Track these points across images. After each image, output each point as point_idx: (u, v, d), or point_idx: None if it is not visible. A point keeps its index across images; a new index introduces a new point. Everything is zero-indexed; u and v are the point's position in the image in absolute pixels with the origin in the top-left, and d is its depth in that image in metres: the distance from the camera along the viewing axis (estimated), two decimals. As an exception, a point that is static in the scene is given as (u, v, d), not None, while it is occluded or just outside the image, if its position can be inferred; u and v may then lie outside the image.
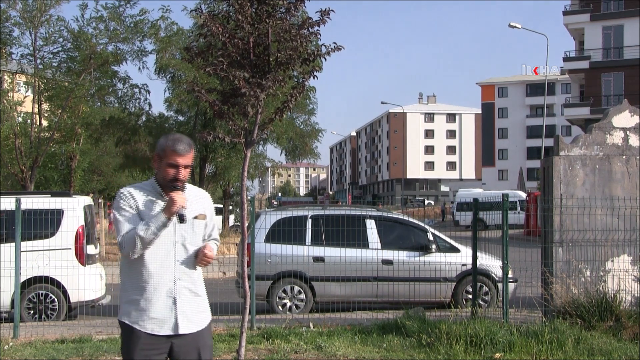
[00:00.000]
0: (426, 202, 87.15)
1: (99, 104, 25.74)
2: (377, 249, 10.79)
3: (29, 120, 24.63)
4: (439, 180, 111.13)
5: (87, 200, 11.40)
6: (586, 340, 7.28)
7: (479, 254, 9.48)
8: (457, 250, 10.95)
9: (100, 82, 23.24)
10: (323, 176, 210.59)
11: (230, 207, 30.92)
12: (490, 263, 10.71)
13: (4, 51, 21.38)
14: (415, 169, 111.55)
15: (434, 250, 10.82)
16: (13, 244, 8.81)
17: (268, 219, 10.88)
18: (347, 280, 10.52)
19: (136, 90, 22.99)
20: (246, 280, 6.18)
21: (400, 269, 10.53)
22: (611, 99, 41.51)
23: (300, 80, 7.85)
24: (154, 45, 21.76)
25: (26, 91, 26.55)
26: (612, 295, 8.15)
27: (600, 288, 8.28)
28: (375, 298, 10.67)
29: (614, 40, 43.28)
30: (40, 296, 10.11)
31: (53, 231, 10.24)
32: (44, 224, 9.99)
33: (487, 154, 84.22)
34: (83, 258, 10.30)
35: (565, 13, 45.83)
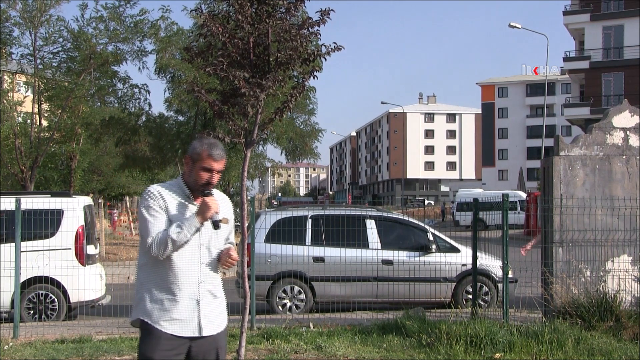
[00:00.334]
0: (426, 202, 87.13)
1: (99, 104, 25.72)
2: (377, 249, 10.79)
3: (29, 120, 24.61)
4: (439, 181, 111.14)
5: (87, 200, 11.40)
6: (586, 341, 7.28)
7: (479, 254, 9.48)
8: (457, 251, 10.95)
9: (100, 82, 23.22)
10: (323, 176, 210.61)
11: (231, 207, 30.82)
12: (490, 263, 10.71)
13: (4, 51, 21.36)
14: (415, 169, 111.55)
15: (434, 250, 10.82)
16: (13, 244, 8.81)
17: (268, 219, 10.88)
18: (347, 280, 10.52)
19: (136, 90, 22.98)
20: (246, 280, 6.18)
21: (400, 269, 10.53)
22: (611, 99, 41.52)
23: (300, 80, 7.85)
24: (154, 45, 21.74)
25: (26, 91, 26.55)
26: (612, 296, 8.15)
27: (600, 288, 8.27)
28: (375, 298, 10.67)
29: (614, 40, 43.29)
30: (40, 296, 10.11)
31: (53, 231, 10.23)
32: (44, 224, 9.99)
33: (487, 154, 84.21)
34: (83, 258, 10.30)
35: (565, 13, 45.84)
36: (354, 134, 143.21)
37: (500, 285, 9.85)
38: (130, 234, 27.67)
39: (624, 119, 8.85)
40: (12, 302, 9.20)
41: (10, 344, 8.03)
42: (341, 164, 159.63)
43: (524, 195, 35.85)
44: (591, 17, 43.73)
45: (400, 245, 10.96)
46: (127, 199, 34.08)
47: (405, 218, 11.99)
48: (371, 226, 10.97)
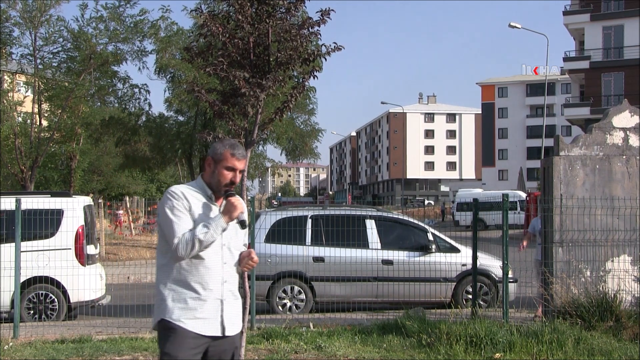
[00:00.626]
0: (426, 202, 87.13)
1: (99, 104, 25.71)
2: (377, 249, 10.79)
3: (29, 120, 24.60)
4: (439, 181, 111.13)
5: (87, 200, 11.40)
6: (586, 341, 7.28)
7: (479, 254, 9.48)
8: (457, 251, 10.94)
9: (100, 82, 23.21)
10: (323, 176, 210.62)
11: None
12: (490, 263, 10.71)
13: (4, 51, 21.35)
14: (415, 169, 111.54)
15: (434, 250, 10.82)
16: (13, 244, 8.81)
17: (268, 219, 10.88)
18: (347, 280, 10.52)
19: (136, 90, 22.95)
20: (246, 280, 6.18)
21: (400, 269, 10.53)
22: (611, 99, 41.52)
23: (300, 80, 7.85)
24: (154, 45, 21.73)
25: (26, 91, 26.53)
26: (612, 296, 8.15)
27: (600, 288, 8.27)
28: (375, 298, 10.67)
29: (614, 40, 43.29)
30: (40, 296, 10.11)
31: (53, 231, 10.24)
32: (44, 224, 9.99)
33: (487, 154, 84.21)
34: (83, 258, 10.30)
35: (565, 13, 45.84)
36: (354, 134, 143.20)
37: (500, 285, 9.85)
38: (130, 234, 27.66)
39: (624, 119, 8.85)
40: (12, 302, 9.20)
41: (10, 344, 8.03)
42: (341, 164, 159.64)
43: (524, 195, 35.85)
44: (591, 17, 43.73)
45: (400, 245, 10.96)
46: (127, 199, 34.06)
47: (405, 218, 11.99)
48: (371, 226, 10.97)
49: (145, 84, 30.01)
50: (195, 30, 18.22)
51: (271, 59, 6.86)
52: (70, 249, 10.21)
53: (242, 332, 6.49)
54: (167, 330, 3.57)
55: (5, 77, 24.62)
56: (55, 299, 10.12)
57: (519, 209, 33.30)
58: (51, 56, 22.11)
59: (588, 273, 8.56)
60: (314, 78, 7.25)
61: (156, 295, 3.66)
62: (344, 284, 10.59)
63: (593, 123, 9.20)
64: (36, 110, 23.58)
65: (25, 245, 9.30)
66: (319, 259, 10.72)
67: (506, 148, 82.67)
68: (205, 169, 3.77)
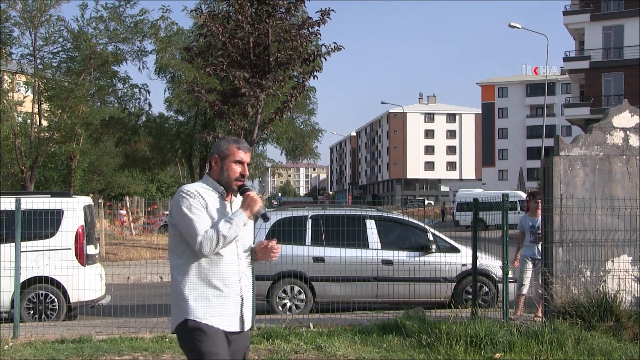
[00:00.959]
0: (426, 202, 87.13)
1: (99, 104, 25.72)
2: (377, 249, 10.79)
3: (29, 120, 24.61)
4: (439, 181, 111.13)
5: (87, 200, 11.40)
6: (586, 341, 7.27)
7: (479, 254, 9.48)
8: (457, 251, 10.94)
9: (100, 82, 23.21)
10: (323, 176, 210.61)
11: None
12: (490, 263, 10.71)
13: (4, 51, 21.35)
14: (415, 169, 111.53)
15: (434, 250, 10.82)
16: (13, 244, 8.81)
17: (268, 219, 10.86)
18: (347, 280, 10.52)
19: (136, 90, 22.97)
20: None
21: (400, 269, 10.53)
22: (611, 99, 41.53)
23: (300, 80, 7.86)
24: (154, 45, 21.74)
25: (26, 91, 26.53)
26: (612, 296, 8.15)
27: (600, 288, 8.27)
28: (375, 298, 10.67)
29: (614, 40, 43.29)
30: (40, 296, 10.11)
31: (53, 231, 10.23)
32: (44, 224, 9.99)
33: (487, 154, 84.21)
34: (83, 258, 10.30)
35: (565, 13, 45.85)
36: (354, 134, 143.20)
37: (500, 285, 9.85)
38: (130, 234, 27.66)
39: (624, 119, 8.84)
40: (12, 302, 9.19)
41: (10, 344, 8.03)
42: (341, 164, 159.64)
43: (524, 195, 35.86)
44: (591, 17, 43.74)
45: (400, 245, 10.96)
46: (127, 199, 34.06)
47: (405, 218, 11.99)
48: (371, 226, 10.97)
49: (145, 84, 30.04)
50: (195, 30, 18.22)
51: (271, 59, 6.86)
52: (70, 249, 10.21)
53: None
54: (195, 331, 3.54)
55: (5, 77, 24.61)
56: (55, 299, 10.11)
57: (519, 209, 33.29)
58: (51, 56, 22.14)
59: (588, 273, 8.56)
60: (314, 78, 7.25)
61: (175, 297, 3.64)
62: (344, 284, 10.58)
63: (593, 123, 9.20)
64: (36, 110, 23.59)
65: (25, 245, 9.30)
66: (319, 259, 10.72)
67: (506, 148, 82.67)
68: (211, 168, 3.79)
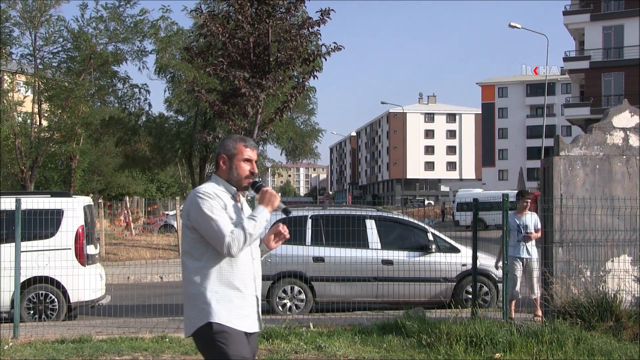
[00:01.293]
0: (426, 202, 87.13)
1: (99, 104, 25.72)
2: (377, 249, 10.79)
3: (29, 120, 24.61)
4: (439, 181, 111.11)
5: (87, 200, 11.40)
6: (586, 341, 7.28)
7: (479, 254, 9.48)
8: (457, 251, 10.94)
9: (100, 82, 23.22)
10: (323, 176, 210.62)
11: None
12: (491, 263, 10.70)
13: (4, 51, 21.36)
14: (415, 169, 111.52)
15: (434, 250, 10.82)
16: (13, 244, 8.81)
17: (268, 219, 10.85)
18: (347, 280, 10.52)
19: (136, 90, 22.99)
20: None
21: (400, 269, 10.53)
22: (611, 99, 41.52)
23: (300, 80, 7.85)
24: (154, 45, 21.75)
25: (26, 91, 26.53)
26: (612, 296, 8.15)
27: (600, 288, 8.27)
28: (375, 298, 10.67)
29: (614, 40, 43.29)
30: (40, 296, 10.10)
31: (53, 231, 10.23)
32: (44, 224, 9.99)
33: (487, 154, 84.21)
34: (83, 258, 10.30)
35: (565, 13, 45.85)
36: (354, 134, 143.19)
37: (500, 285, 9.85)
38: (130, 234, 27.65)
39: (624, 119, 8.84)
40: (12, 302, 9.19)
41: (10, 344, 8.03)
42: (341, 164, 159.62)
43: (523, 195, 35.80)
44: (591, 17, 43.73)
45: (400, 245, 10.96)
46: (127, 199, 34.07)
47: (405, 218, 11.99)
48: (371, 226, 10.97)
49: (145, 84, 30.08)
50: (195, 30, 18.22)
51: (271, 59, 6.86)
52: (70, 249, 10.21)
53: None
54: (219, 334, 3.50)
55: (5, 77, 24.61)
56: (55, 299, 10.11)
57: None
58: (51, 56, 22.14)
59: (588, 273, 8.56)
60: (314, 78, 7.25)
61: (192, 300, 3.58)
62: (344, 284, 10.58)
63: (593, 123, 9.20)
64: (36, 110, 23.59)
65: (25, 245, 9.30)
66: (319, 259, 10.72)
67: (506, 148, 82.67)
68: (219, 168, 3.77)
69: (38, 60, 21.72)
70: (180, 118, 24.04)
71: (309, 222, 10.93)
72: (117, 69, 23.03)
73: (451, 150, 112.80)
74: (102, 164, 38.64)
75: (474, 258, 9.22)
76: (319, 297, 10.67)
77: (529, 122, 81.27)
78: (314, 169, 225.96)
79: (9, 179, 27.73)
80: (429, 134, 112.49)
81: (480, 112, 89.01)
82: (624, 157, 8.76)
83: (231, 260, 3.59)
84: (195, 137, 21.12)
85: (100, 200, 24.87)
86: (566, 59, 45.69)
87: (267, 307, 10.60)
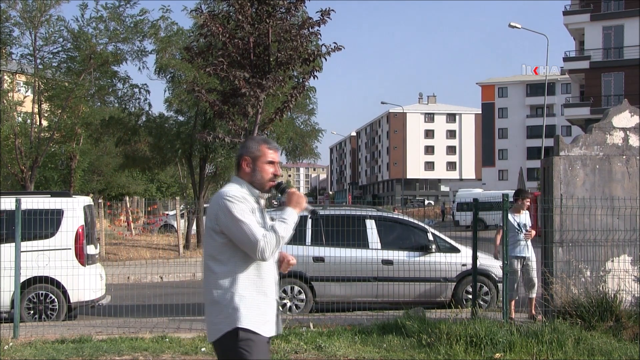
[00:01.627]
0: (426, 202, 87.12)
1: (99, 104, 25.68)
2: (377, 249, 10.79)
3: (29, 120, 24.58)
4: (439, 181, 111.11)
5: (87, 200, 11.40)
6: (586, 341, 7.28)
7: (479, 254, 9.48)
8: (457, 251, 10.94)
9: (100, 82, 23.19)
10: (323, 176, 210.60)
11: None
12: (490, 263, 10.71)
13: (4, 51, 21.34)
14: (415, 169, 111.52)
15: (434, 250, 10.82)
16: (13, 244, 8.81)
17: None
18: (347, 280, 10.52)
19: (136, 90, 22.94)
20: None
21: (400, 269, 10.53)
22: (611, 99, 41.53)
23: (300, 80, 7.85)
24: (154, 45, 21.72)
25: (26, 91, 26.51)
26: (612, 296, 8.15)
27: (600, 288, 8.28)
28: (375, 298, 10.67)
29: (614, 40, 43.30)
30: (40, 296, 10.11)
31: (53, 231, 10.23)
32: (44, 224, 9.99)
33: (487, 154, 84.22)
34: (83, 258, 10.30)
35: (565, 13, 45.85)
36: (354, 134, 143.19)
37: (500, 285, 9.85)
38: (130, 234, 27.65)
39: (624, 119, 8.85)
40: (12, 302, 9.20)
41: (10, 344, 8.03)
42: (341, 164, 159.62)
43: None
44: (591, 17, 43.74)
45: (400, 245, 10.96)
46: (127, 199, 34.06)
47: (406, 218, 11.99)
48: (371, 226, 10.97)
49: (145, 84, 30.01)
50: (196, 30, 18.21)
51: (271, 59, 6.86)
52: (70, 249, 10.21)
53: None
54: (244, 341, 3.46)
55: (5, 77, 24.59)
56: (55, 299, 10.11)
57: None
58: (51, 56, 22.11)
59: (588, 273, 8.56)
60: (314, 78, 7.25)
61: (217, 305, 3.53)
62: (344, 284, 10.58)
63: (593, 123, 9.20)
64: (36, 110, 23.57)
65: (25, 245, 9.30)
66: (319, 259, 10.72)
67: (506, 148, 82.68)
68: (241, 170, 3.71)
69: (38, 60, 21.70)
70: (180, 118, 24.02)
71: (309, 222, 10.93)
72: (117, 69, 23.01)
73: (451, 150, 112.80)
74: (102, 164, 38.60)
75: (474, 258, 9.22)
76: (319, 297, 10.67)
77: (529, 122, 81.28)
78: (314, 169, 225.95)
79: (9, 179, 27.71)
80: (429, 134, 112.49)
81: (480, 112, 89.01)
82: (624, 157, 8.76)
83: (258, 265, 3.55)
84: (195, 137, 21.10)
85: (100, 200, 24.89)
86: (566, 59, 45.70)
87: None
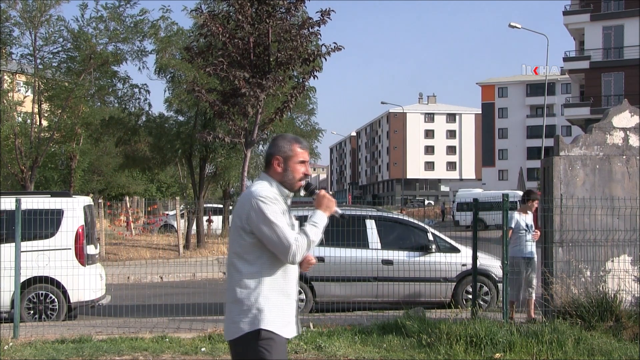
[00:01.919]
0: (426, 202, 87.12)
1: (99, 104, 25.68)
2: (377, 249, 10.79)
3: (29, 120, 24.58)
4: (439, 181, 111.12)
5: (87, 200, 11.40)
6: (586, 341, 7.28)
7: (479, 254, 9.48)
8: (457, 251, 10.94)
9: (100, 82, 23.18)
10: (323, 176, 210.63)
11: (230, 207, 30.83)
12: (490, 263, 10.71)
13: (4, 51, 21.33)
14: (415, 169, 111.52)
15: (434, 250, 10.82)
16: (13, 244, 8.81)
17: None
18: (347, 280, 10.52)
19: (136, 90, 22.94)
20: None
21: (400, 269, 10.53)
22: (611, 99, 41.54)
23: (300, 80, 7.85)
24: (154, 45, 21.71)
25: (26, 91, 26.51)
26: (612, 296, 8.15)
27: (600, 288, 8.27)
28: (375, 298, 10.67)
29: (614, 40, 43.31)
30: (40, 296, 10.11)
31: (53, 231, 10.23)
32: (44, 224, 9.99)
33: (487, 154, 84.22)
34: (83, 258, 10.30)
35: (565, 13, 45.87)
36: (354, 134, 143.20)
37: (500, 285, 9.84)
38: (130, 234, 27.64)
39: (624, 119, 8.85)
40: (12, 302, 9.20)
41: (10, 344, 8.03)
42: (341, 164, 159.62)
43: (523, 195, 35.80)
44: (591, 17, 43.75)
45: (400, 245, 10.96)
46: (127, 199, 34.05)
47: (406, 218, 11.99)
48: (371, 226, 10.97)
49: (145, 84, 30.03)
50: (196, 30, 18.21)
51: (271, 59, 6.86)
52: (70, 249, 10.21)
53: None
54: (264, 340, 3.45)
55: (5, 77, 24.59)
56: (55, 299, 10.11)
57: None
58: (51, 56, 22.10)
59: (588, 273, 8.56)
60: (314, 78, 7.25)
61: (240, 304, 3.50)
62: (344, 284, 10.58)
63: (593, 123, 9.20)
64: (36, 110, 23.56)
65: (25, 245, 9.30)
66: (319, 259, 10.70)
67: (506, 148, 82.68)
68: (272, 169, 3.67)
69: (38, 60, 21.70)
70: (180, 118, 24.02)
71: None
72: (117, 69, 23.01)
73: (451, 150, 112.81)
74: (102, 164, 38.59)
75: (474, 258, 9.22)
76: (319, 297, 10.66)
77: (529, 122, 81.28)
78: (314, 169, 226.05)
79: (9, 179, 27.71)
80: (429, 134, 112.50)
81: (480, 112, 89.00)
82: (624, 157, 8.76)
83: (285, 267, 3.54)
84: (195, 137, 21.10)
85: (100, 200, 24.88)
86: (566, 59, 45.71)
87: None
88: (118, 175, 39.67)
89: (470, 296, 10.29)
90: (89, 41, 20.90)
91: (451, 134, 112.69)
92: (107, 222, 27.23)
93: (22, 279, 9.28)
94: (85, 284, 10.13)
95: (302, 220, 3.74)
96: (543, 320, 8.29)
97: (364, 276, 10.52)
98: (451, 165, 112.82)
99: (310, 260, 3.74)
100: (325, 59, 8.56)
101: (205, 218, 25.99)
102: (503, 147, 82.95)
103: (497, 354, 7.03)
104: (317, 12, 8.80)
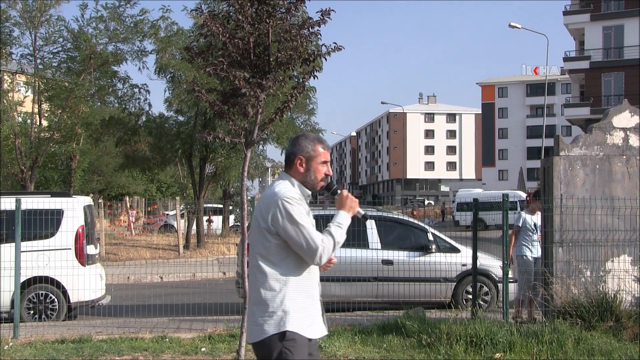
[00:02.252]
0: (426, 202, 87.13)
1: (99, 104, 25.68)
2: (377, 249, 10.79)
3: (29, 120, 24.59)
4: (439, 181, 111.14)
5: (87, 200, 11.40)
6: (586, 341, 7.28)
7: (479, 254, 9.48)
8: (457, 251, 10.94)
9: (100, 82, 23.18)
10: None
11: (230, 207, 30.84)
12: (490, 263, 10.71)
13: (4, 51, 21.33)
14: (415, 169, 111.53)
15: (434, 250, 10.82)
16: (13, 244, 8.81)
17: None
18: (347, 280, 10.52)
19: (136, 90, 22.94)
20: (246, 280, 6.18)
21: (400, 269, 10.53)
22: (611, 99, 41.55)
23: (301, 80, 7.84)
24: (154, 45, 21.71)
25: (26, 91, 26.51)
26: (612, 296, 8.15)
27: (601, 288, 8.27)
28: (375, 298, 10.67)
29: (614, 40, 43.32)
30: (40, 296, 10.11)
31: (53, 231, 10.24)
32: (44, 224, 9.99)
33: (487, 154, 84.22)
34: (83, 258, 10.30)
35: (565, 13, 45.88)
36: (354, 134, 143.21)
37: (500, 285, 9.84)
38: (130, 234, 27.65)
39: (624, 119, 8.85)
40: (12, 302, 9.20)
41: (10, 344, 8.03)
42: (341, 164, 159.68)
43: (524, 195, 35.86)
44: (591, 17, 43.77)
45: (400, 245, 10.96)
46: (127, 199, 34.05)
47: (405, 218, 11.99)
48: (371, 226, 10.97)
49: (145, 84, 30.04)
50: (195, 30, 18.20)
51: (271, 59, 6.85)
52: (70, 249, 10.22)
53: (242, 332, 6.49)
54: (288, 342, 3.43)
55: (5, 77, 24.59)
56: (55, 299, 10.12)
57: (518, 209, 33.29)
58: (51, 56, 22.10)
59: (588, 273, 8.56)
60: (314, 78, 7.24)
61: (267, 306, 3.46)
62: (344, 284, 10.58)
63: (593, 123, 9.20)
64: (36, 110, 23.57)
65: (25, 245, 9.30)
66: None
67: (506, 148, 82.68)
68: (293, 168, 3.63)
69: (38, 60, 21.69)
70: (180, 118, 24.02)
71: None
72: (117, 69, 23.00)
73: (451, 150, 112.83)
74: (102, 164, 38.58)
75: (474, 258, 9.22)
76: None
77: (529, 122, 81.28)
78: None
79: (9, 179, 27.70)
80: (429, 134, 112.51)
81: (480, 112, 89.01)
82: (624, 157, 8.76)
83: (309, 268, 3.55)
84: (195, 137, 21.11)
85: (100, 200, 24.89)
86: (566, 59, 45.73)
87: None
88: (118, 175, 39.66)
89: (470, 296, 10.29)
90: (89, 41, 20.90)
91: (451, 134, 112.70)
92: (107, 222, 27.23)
93: (22, 279, 9.28)
94: (85, 284, 10.13)
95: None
96: (543, 320, 8.29)
97: (364, 276, 10.52)
98: (451, 165, 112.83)
99: (331, 259, 3.73)
100: (326, 59, 8.56)
101: (205, 218, 26.00)
102: (503, 147, 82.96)
103: (497, 354, 7.03)
104: (317, 12, 8.81)
